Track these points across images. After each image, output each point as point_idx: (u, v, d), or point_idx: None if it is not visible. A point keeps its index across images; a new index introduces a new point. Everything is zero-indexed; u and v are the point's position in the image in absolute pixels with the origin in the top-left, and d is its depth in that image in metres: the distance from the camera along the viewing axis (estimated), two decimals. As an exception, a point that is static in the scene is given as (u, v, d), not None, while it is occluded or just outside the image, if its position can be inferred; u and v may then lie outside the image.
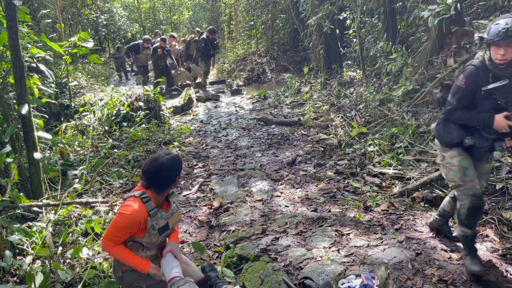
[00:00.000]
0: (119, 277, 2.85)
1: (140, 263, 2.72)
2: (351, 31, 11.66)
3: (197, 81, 14.26)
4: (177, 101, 11.85)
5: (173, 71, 13.55)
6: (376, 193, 4.99)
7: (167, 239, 2.99)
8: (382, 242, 3.58)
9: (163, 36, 13.67)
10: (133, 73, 18.89)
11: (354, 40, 11.75)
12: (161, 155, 2.75)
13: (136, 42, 15.79)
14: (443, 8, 6.03)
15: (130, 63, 14.65)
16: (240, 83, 14.45)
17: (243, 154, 7.31)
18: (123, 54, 17.75)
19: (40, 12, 9.99)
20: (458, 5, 5.91)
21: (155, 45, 13.16)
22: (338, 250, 3.50)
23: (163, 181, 2.73)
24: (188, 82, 13.96)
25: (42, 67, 5.10)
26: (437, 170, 5.02)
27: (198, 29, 15.71)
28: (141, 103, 9.35)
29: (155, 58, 12.84)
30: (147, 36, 15.73)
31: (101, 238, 2.74)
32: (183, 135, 8.84)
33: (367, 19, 11.20)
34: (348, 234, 3.82)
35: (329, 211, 4.49)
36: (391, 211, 4.31)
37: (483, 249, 3.39)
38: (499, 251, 3.39)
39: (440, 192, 4.66)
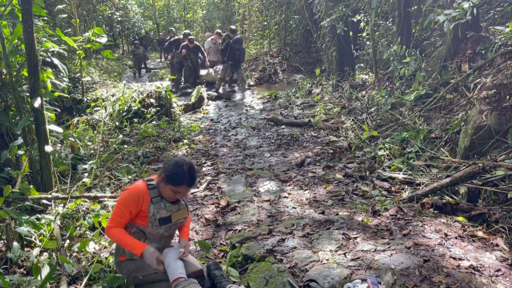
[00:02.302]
0: (116, 263, 2.93)
1: (135, 245, 2.75)
2: (364, 34, 11.59)
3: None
4: (189, 99, 11.89)
5: (208, 71, 13.57)
6: (385, 198, 4.95)
7: (172, 241, 3.03)
8: (389, 247, 3.53)
9: (191, 37, 13.56)
10: (145, 71, 19.01)
11: (368, 42, 11.68)
12: (185, 158, 2.86)
13: (176, 38, 15.38)
14: (459, 12, 5.96)
15: (170, 57, 14.25)
16: (251, 83, 14.44)
17: (252, 153, 7.30)
18: (141, 51, 17.87)
19: (56, 7, 10.08)
20: (475, 10, 5.83)
21: (182, 44, 13.20)
22: (344, 254, 3.47)
23: (177, 175, 2.75)
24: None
25: (56, 61, 5.14)
26: (448, 176, 4.97)
27: (219, 31, 15.60)
28: (152, 100, 9.39)
29: (180, 57, 12.93)
30: (187, 31, 15.33)
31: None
32: (193, 133, 8.86)
33: (381, 22, 11.13)
34: (355, 238, 3.78)
35: (337, 214, 4.45)
36: (400, 216, 4.26)
37: (492, 259, 3.34)
38: (508, 260, 3.34)
39: (450, 199, 4.61)
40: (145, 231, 2.81)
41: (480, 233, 3.86)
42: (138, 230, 2.81)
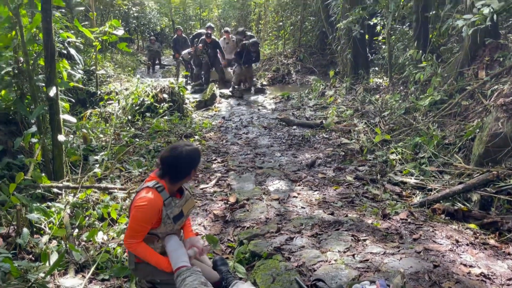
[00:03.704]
0: (132, 269, 2.83)
1: (165, 263, 2.68)
2: (380, 37, 11.50)
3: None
4: (201, 96, 11.91)
5: (229, 69, 13.58)
6: (395, 202, 4.90)
7: (181, 230, 2.98)
8: (399, 251, 3.49)
9: (209, 31, 13.55)
10: (159, 67, 19.10)
11: (383, 46, 11.59)
12: (181, 145, 2.73)
13: (199, 31, 15.29)
14: (478, 18, 5.86)
15: (192, 51, 14.18)
16: (265, 83, 14.42)
17: (262, 152, 7.28)
18: (156, 47, 17.97)
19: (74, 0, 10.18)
20: (495, 16, 5.74)
21: (200, 38, 13.18)
22: (353, 255, 3.44)
23: (179, 171, 2.71)
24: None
25: (72, 51, 5.18)
26: (461, 183, 4.90)
27: (227, 29, 15.58)
28: (165, 95, 9.43)
29: (198, 52, 12.93)
30: (211, 25, 15.24)
31: (123, 237, 2.71)
32: (204, 129, 8.87)
33: (398, 26, 11.03)
34: (365, 240, 3.74)
35: (346, 215, 4.42)
36: (410, 221, 4.21)
37: (504, 267, 3.28)
38: (521, 270, 3.27)
39: (462, 206, 4.54)
40: (157, 233, 2.73)
41: (492, 241, 3.80)
42: (149, 235, 2.72)
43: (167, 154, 2.71)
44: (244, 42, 12.80)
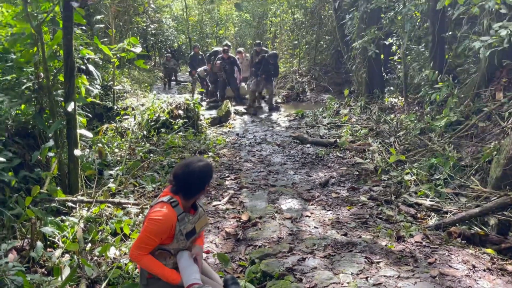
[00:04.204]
0: (144, 285, 2.82)
1: (171, 274, 2.67)
2: (396, 57, 11.49)
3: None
4: (216, 113, 12.00)
5: (242, 84, 13.70)
6: (410, 224, 4.81)
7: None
8: (413, 275, 3.42)
9: (226, 48, 13.71)
10: (175, 83, 19.35)
11: (399, 66, 11.57)
12: (193, 161, 2.74)
13: (216, 49, 15.49)
14: (495, 40, 5.84)
15: (209, 69, 14.35)
16: (279, 100, 14.48)
17: (275, 170, 7.26)
18: (172, 64, 18.27)
19: (95, 17, 10.44)
20: (512, 38, 5.71)
21: (218, 56, 13.34)
22: (366, 278, 3.38)
23: (192, 187, 2.72)
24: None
25: (91, 67, 5.29)
26: (478, 206, 4.80)
27: (241, 49, 15.80)
28: (180, 112, 9.52)
29: (215, 69, 13.08)
30: (227, 42, 15.40)
31: (130, 247, 2.71)
32: (218, 146, 8.91)
33: (413, 46, 11.02)
34: (378, 262, 3.68)
35: (360, 237, 4.36)
36: (425, 244, 4.13)
37: (523, 295, 3.18)
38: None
39: (479, 230, 4.44)
40: (169, 249, 2.73)
41: (510, 267, 3.69)
42: (162, 250, 2.72)
43: (180, 171, 2.71)
44: (263, 54, 12.91)
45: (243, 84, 13.93)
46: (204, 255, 4.21)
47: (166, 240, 2.70)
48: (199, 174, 2.69)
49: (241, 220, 5.01)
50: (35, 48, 4.96)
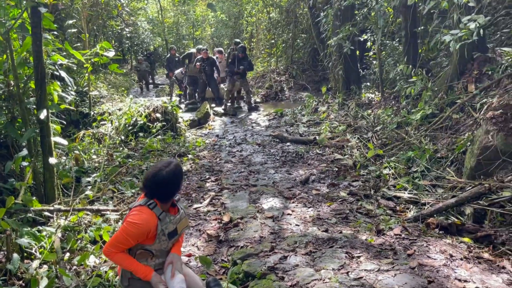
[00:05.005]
0: (125, 286, 2.80)
1: (143, 270, 2.68)
2: (371, 53, 11.64)
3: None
4: (195, 115, 11.94)
5: (221, 85, 13.65)
6: (389, 217, 4.88)
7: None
8: (393, 267, 3.47)
9: (205, 47, 13.59)
10: (153, 86, 19.18)
11: (374, 62, 11.73)
12: (162, 169, 2.69)
13: (190, 51, 15.42)
14: (465, 33, 5.96)
15: (183, 72, 14.17)
16: (258, 100, 14.49)
17: (256, 170, 7.27)
18: (144, 67, 18.07)
19: (66, 22, 10.25)
20: (481, 31, 5.84)
21: (197, 58, 13.22)
22: (347, 273, 3.41)
23: (165, 193, 2.71)
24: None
25: (62, 73, 5.20)
26: (454, 196, 4.90)
27: (221, 49, 15.75)
28: (158, 115, 9.44)
29: (194, 71, 12.99)
30: (202, 46, 15.30)
31: (105, 245, 2.70)
32: (198, 148, 8.87)
33: (388, 41, 11.18)
34: (359, 257, 3.71)
35: (340, 232, 4.40)
36: (404, 236, 4.19)
37: (499, 281, 3.26)
38: (516, 284, 3.26)
39: (456, 220, 4.53)
40: (151, 249, 2.72)
41: (486, 255, 3.78)
42: (144, 250, 2.72)
43: (150, 182, 2.68)
44: (233, 51, 12.89)
45: (221, 85, 13.88)
46: (186, 258, 4.19)
47: (148, 241, 2.69)
48: (168, 180, 2.67)
49: (222, 222, 4.99)
50: (4, 56, 4.85)
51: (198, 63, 12.88)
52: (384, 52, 11.08)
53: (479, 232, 4.19)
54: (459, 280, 3.24)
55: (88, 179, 6.03)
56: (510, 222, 4.27)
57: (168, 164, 2.72)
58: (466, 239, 4.15)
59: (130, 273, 2.74)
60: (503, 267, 3.53)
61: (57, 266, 3.71)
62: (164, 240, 2.72)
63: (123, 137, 8.62)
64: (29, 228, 4.12)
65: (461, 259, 3.60)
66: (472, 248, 3.94)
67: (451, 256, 3.64)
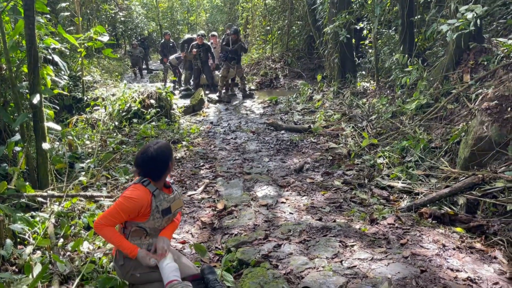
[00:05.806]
0: (120, 266, 2.84)
1: (129, 246, 2.74)
2: (367, 42, 11.59)
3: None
4: (189, 101, 11.87)
5: (216, 72, 13.55)
6: (383, 206, 4.91)
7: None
8: (386, 256, 3.50)
9: (202, 32, 13.43)
10: (147, 72, 18.99)
11: (370, 50, 11.68)
12: (150, 146, 2.81)
13: (191, 36, 15.27)
14: (462, 23, 5.94)
15: (183, 57, 14.05)
16: (253, 87, 14.42)
17: (250, 158, 7.26)
18: (138, 52, 17.87)
19: (59, 5, 10.08)
20: (478, 21, 5.82)
21: (192, 43, 13.09)
22: (341, 262, 3.43)
23: (156, 170, 2.79)
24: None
25: (56, 58, 5.11)
26: (447, 186, 4.93)
27: (215, 33, 15.57)
28: (152, 101, 9.37)
29: (190, 56, 12.87)
30: (202, 32, 15.10)
31: (97, 217, 2.76)
32: (192, 135, 8.83)
33: (384, 30, 11.13)
34: (352, 246, 3.74)
35: (334, 221, 4.42)
36: (398, 225, 4.22)
37: (490, 271, 3.30)
38: (507, 273, 3.30)
39: (449, 210, 4.57)
40: (145, 227, 2.79)
41: (478, 245, 3.82)
42: (138, 227, 2.79)
43: (140, 160, 2.78)
44: (227, 36, 12.80)
45: (216, 72, 13.77)
46: (180, 245, 4.20)
47: (142, 218, 2.76)
48: (158, 157, 2.76)
49: (216, 209, 5.00)
50: (-4, 39, 4.75)
51: (194, 49, 12.77)
52: (380, 41, 11.03)
53: (472, 222, 4.23)
54: (451, 269, 3.28)
55: (82, 165, 5.99)
56: (502, 212, 4.31)
57: (156, 143, 2.84)
58: (458, 229, 4.19)
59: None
60: (495, 257, 3.57)
61: (51, 252, 3.70)
62: (158, 217, 2.79)
63: (117, 123, 8.56)
64: (22, 214, 4.09)
65: (454, 249, 3.64)
66: (464, 238, 3.98)
67: (444, 245, 3.68)
